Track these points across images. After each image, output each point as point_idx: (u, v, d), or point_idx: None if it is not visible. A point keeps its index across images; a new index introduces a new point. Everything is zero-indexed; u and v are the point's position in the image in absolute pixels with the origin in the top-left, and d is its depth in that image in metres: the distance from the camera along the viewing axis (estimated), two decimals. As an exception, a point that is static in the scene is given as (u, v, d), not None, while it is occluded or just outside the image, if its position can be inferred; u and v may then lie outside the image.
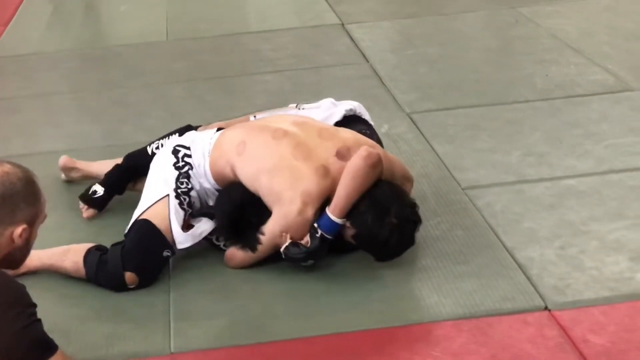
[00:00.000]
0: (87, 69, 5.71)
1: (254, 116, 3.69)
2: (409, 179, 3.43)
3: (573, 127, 4.28)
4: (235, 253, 3.28)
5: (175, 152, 3.41)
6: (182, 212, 3.30)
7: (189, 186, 3.34)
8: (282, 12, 6.65)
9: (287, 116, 3.53)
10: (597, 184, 3.73)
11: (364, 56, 5.51)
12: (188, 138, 3.49)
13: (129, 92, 5.15)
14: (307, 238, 3.14)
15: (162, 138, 3.71)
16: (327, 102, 3.73)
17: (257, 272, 3.25)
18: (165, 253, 3.24)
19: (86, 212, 3.74)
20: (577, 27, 5.73)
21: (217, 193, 3.37)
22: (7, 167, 2.50)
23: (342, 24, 6.17)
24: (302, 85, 5.08)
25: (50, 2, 7.40)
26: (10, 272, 3.16)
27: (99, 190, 3.72)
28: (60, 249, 3.28)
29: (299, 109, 3.73)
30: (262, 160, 3.23)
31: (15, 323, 2.34)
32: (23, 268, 3.20)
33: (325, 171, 3.15)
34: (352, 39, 5.84)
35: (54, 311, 3.10)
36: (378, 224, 3.09)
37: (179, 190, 3.31)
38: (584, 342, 2.78)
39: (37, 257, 3.26)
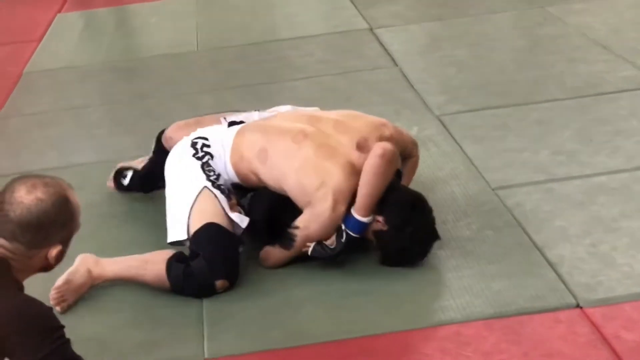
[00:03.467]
0: (118, 81, 5.77)
1: (224, 117, 3.64)
2: (415, 144, 3.56)
3: (603, 124, 4.27)
4: (270, 252, 3.32)
5: (193, 144, 3.45)
6: (225, 199, 3.31)
7: (216, 172, 3.37)
8: (311, 18, 6.67)
9: (298, 114, 3.57)
10: (627, 181, 3.72)
11: (393, 60, 5.51)
12: (203, 131, 3.52)
13: (161, 103, 5.20)
14: (333, 238, 3.18)
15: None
16: (286, 108, 3.79)
17: (288, 276, 3.29)
18: (241, 249, 3.30)
19: (110, 182, 3.97)
20: (606, 24, 5.70)
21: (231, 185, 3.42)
22: (39, 193, 2.40)
23: (371, 29, 6.17)
24: (331, 91, 5.09)
25: (82, 17, 7.48)
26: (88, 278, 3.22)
27: (127, 178, 3.91)
28: (135, 260, 3.28)
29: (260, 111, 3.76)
30: (288, 167, 3.26)
31: (36, 353, 2.28)
32: (97, 279, 3.26)
33: (352, 168, 3.20)
34: (380, 43, 5.84)
35: (90, 320, 3.16)
36: (408, 223, 3.16)
37: (211, 179, 3.34)
38: (617, 339, 2.77)
39: (110, 269, 3.28)
